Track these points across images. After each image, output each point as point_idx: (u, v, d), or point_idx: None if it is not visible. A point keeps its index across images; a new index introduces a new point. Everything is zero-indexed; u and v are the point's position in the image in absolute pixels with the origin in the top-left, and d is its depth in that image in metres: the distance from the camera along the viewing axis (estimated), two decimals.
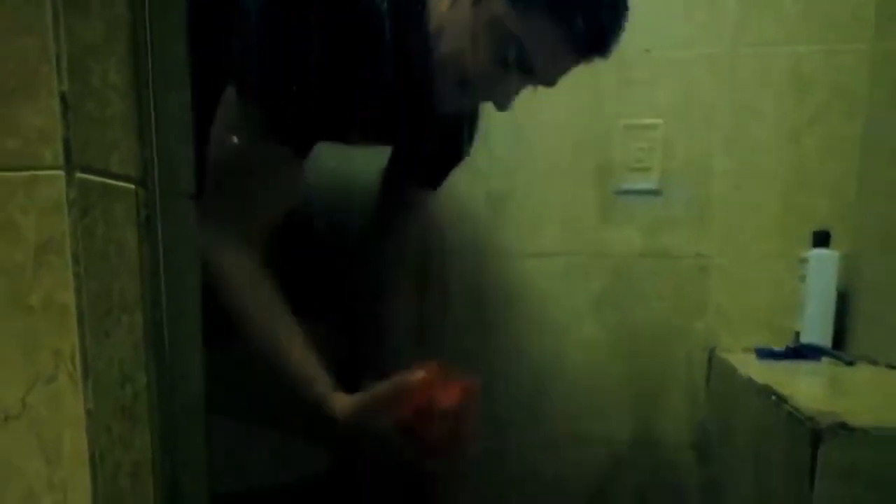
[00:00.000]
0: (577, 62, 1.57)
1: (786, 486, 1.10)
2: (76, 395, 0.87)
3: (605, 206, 2.20)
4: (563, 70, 1.58)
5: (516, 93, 1.67)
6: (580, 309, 2.26)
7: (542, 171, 2.15)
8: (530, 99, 1.92)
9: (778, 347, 1.99)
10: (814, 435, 0.98)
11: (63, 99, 0.85)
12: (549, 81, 1.61)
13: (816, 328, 2.01)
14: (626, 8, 1.52)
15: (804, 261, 2.02)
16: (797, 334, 2.05)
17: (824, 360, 1.87)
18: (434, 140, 1.80)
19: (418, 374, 1.51)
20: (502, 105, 1.67)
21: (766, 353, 1.96)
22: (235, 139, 1.50)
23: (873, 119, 1.98)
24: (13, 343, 0.88)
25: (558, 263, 2.24)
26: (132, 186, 0.94)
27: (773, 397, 1.24)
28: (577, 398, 2.28)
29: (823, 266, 1.99)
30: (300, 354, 1.61)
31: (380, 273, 2.02)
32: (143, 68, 0.94)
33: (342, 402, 1.58)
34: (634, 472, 2.32)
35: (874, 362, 1.78)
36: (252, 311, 1.59)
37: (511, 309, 2.27)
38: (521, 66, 1.55)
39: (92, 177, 0.88)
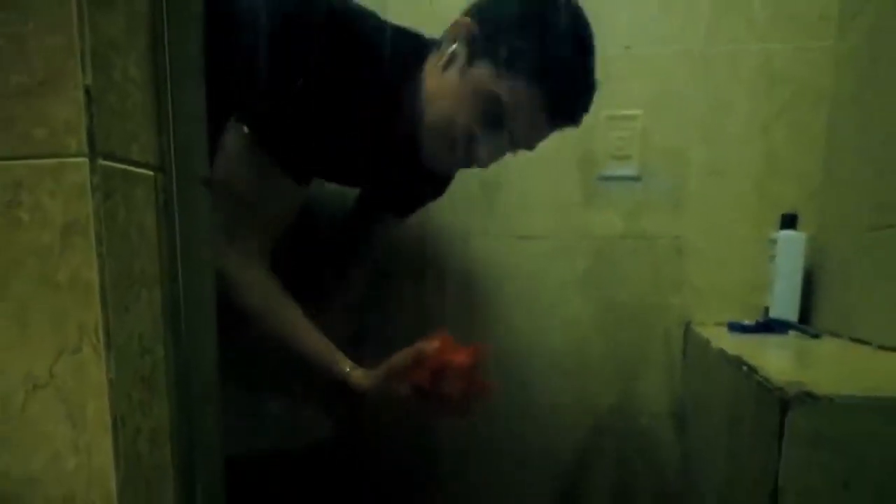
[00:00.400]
0: (552, 130, 1.65)
1: (755, 451, 1.08)
2: (99, 365, 0.87)
3: (588, 192, 2.20)
4: (541, 137, 1.67)
5: (498, 156, 1.72)
6: (566, 287, 2.25)
7: (531, 160, 2.08)
8: None
9: (748, 322, 1.97)
10: (782, 403, 0.97)
11: (87, 92, 0.84)
12: (529, 146, 1.68)
13: (784, 304, 1.99)
14: (595, 87, 1.63)
15: (773, 242, 2.01)
16: (766, 310, 2.04)
17: (791, 333, 1.85)
18: (418, 187, 1.88)
19: (433, 342, 1.55)
20: (484, 165, 1.72)
21: (737, 327, 1.94)
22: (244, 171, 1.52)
23: (837, 112, 1.97)
24: (42, 317, 0.88)
25: (546, 245, 2.23)
26: (151, 172, 0.94)
27: (744, 368, 1.23)
28: (563, 371, 2.28)
29: (791, 247, 1.98)
30: (318, 342, 1.64)
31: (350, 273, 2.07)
32: (160, 62, 0.94)
33: (365, 376, 1.61)
34: (615, 440, 2.31)
35: (837, 335, 1.77)
36: (272, 315, 1.61)
37: (502, 288, 2.26)
38: (504, 133, 1.61)
39: (114, 164, 0.88)
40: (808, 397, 0.95)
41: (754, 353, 1.36)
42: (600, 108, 2.08)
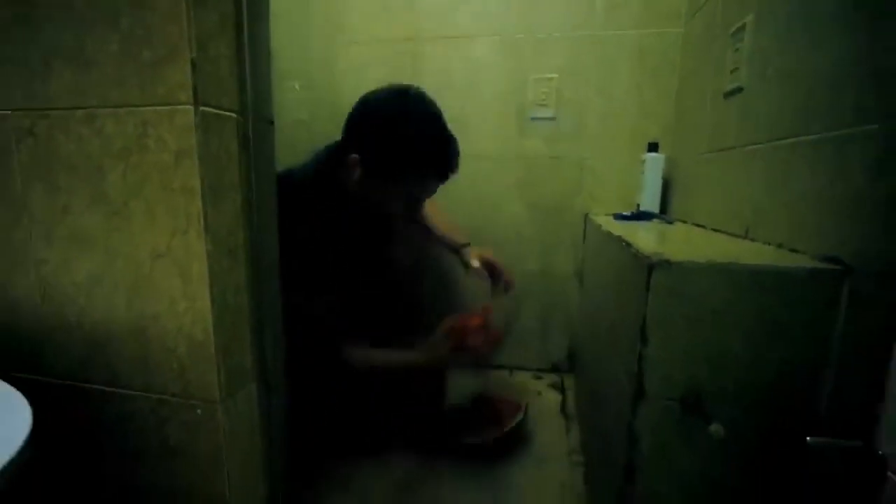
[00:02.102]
0: (441, 183, 1.53)
1: (633, 300, 1.04)
2: (200, 241, 0.89)
3: (521, 127, 2.12)
4: (435, 189, 1.54)
5: (418, 207, 1.69)
6: (506, 191, 2.19)
7: (484, 106, 2.09)
8: (477, 69, 2.01)
9: (627, 213, 1.92)
10: (648, 267, 0.95)
11: (192, 63, 0.85)
12: (431, 195, 1.56)
13: (650, 201, 1.94)
14: (458, 152, 1.47)
15: (643, 161, 1.96)
16: (638, 206, 1.98)
17: (655, 221, 1.80)
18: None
19: (464, 319, 1.55)
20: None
21: (619, 217, 1.88)
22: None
23: (684, 77, 1.92)
24: (163, 211, 0.90)
25: (491, 163, 2.16)
26: (234, 115, 0.93)
27: (624, 244, 1.18)
28: (506, 248, 2.19)
29: (654, 164, 1.93)
30: (398, 357, 1.56)
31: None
32: (241, 43, 0.92)
33: (426, 352, 1.56)
34: (539, 294, 2.27)
35: (684, 222, 1.73)
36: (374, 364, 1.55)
37: (460, 192, 2.18)
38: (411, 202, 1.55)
39: (209, 109, 0.88)
40: (665, 263, 0.94)
41: (631, 234, 1.33)
42: (529, 72, 2.07)
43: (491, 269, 1.79)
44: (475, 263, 1.77)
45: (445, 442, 1.66)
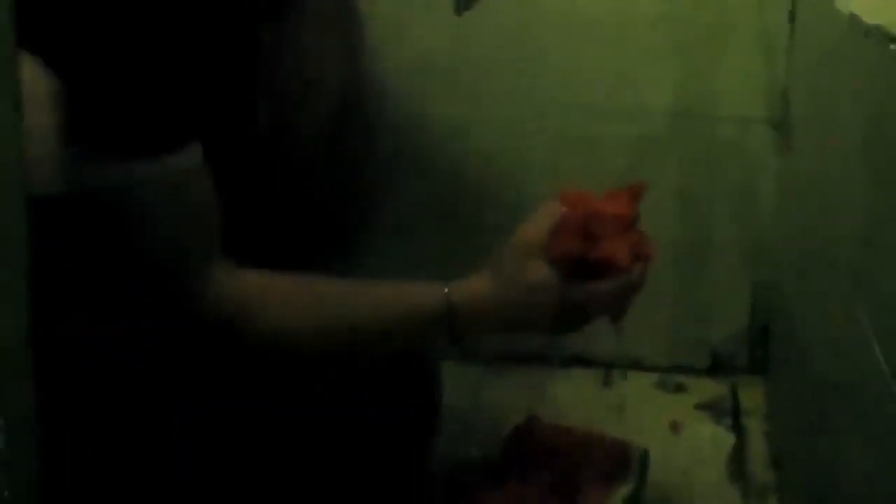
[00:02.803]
0: None
1: None
2: None
3: None
4: None
5: None
6: None
7: None
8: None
9: None
10: None
11: None
12: None
13: None
14: None
15: None
16: None
17: None
18: None
19: (580, 198, 1.26)
20: None
21: None
22: None
23: None
24: None
25: None
26: None
27: (893, 46, 0.77)
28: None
29: None
30: (386, 297, 1.22)
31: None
32: None
33: (481, 286, 1.25)
34: (676, 162, 1.62)
35: None
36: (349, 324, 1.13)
37: None
38: None
39: None
40: None
41: None
42: None
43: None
44: None
45: None
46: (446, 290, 1.05)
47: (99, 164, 0.90)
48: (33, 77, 0.89)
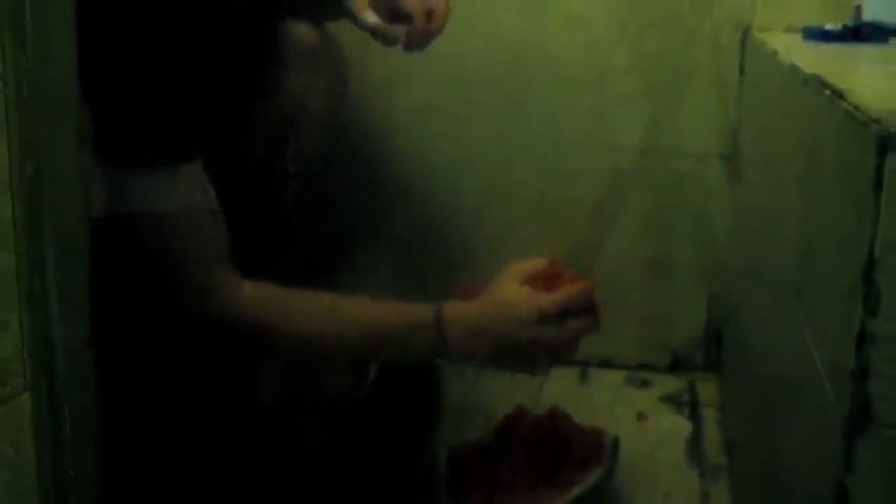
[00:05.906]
0: None
1: (842, 208, 0.78)
2: None
3: None
4: None
5: None
6: None
7: None
8: None
9: (832, 26, 1.49)
10: (880, 141, 0.63)
11: None
12: None
13: (882, 3, 1.58)
14: None
15: None
16: (858, 9, 1.59)
17: (893, 42, 1.43)
18: None
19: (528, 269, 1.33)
20: None
21: (816, 34, 1.45)
22: None
23: None
24: None
25: None
26: None
27: (827, 92, 0.88)
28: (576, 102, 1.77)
29: None
30: (382, 314, 1.29)
31: None
32: None
33: (495, 316, 1.33)
34: (643, 190, 1.80)
35: None
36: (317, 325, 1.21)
37: None
38: None
39: None
40: None
41: (841, 71, 1.02)
42: None
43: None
44: (371, 19, 1.37)
45: None
46: (436, 306, 1.18)
47: (122, 179, 0.99)
48: None
